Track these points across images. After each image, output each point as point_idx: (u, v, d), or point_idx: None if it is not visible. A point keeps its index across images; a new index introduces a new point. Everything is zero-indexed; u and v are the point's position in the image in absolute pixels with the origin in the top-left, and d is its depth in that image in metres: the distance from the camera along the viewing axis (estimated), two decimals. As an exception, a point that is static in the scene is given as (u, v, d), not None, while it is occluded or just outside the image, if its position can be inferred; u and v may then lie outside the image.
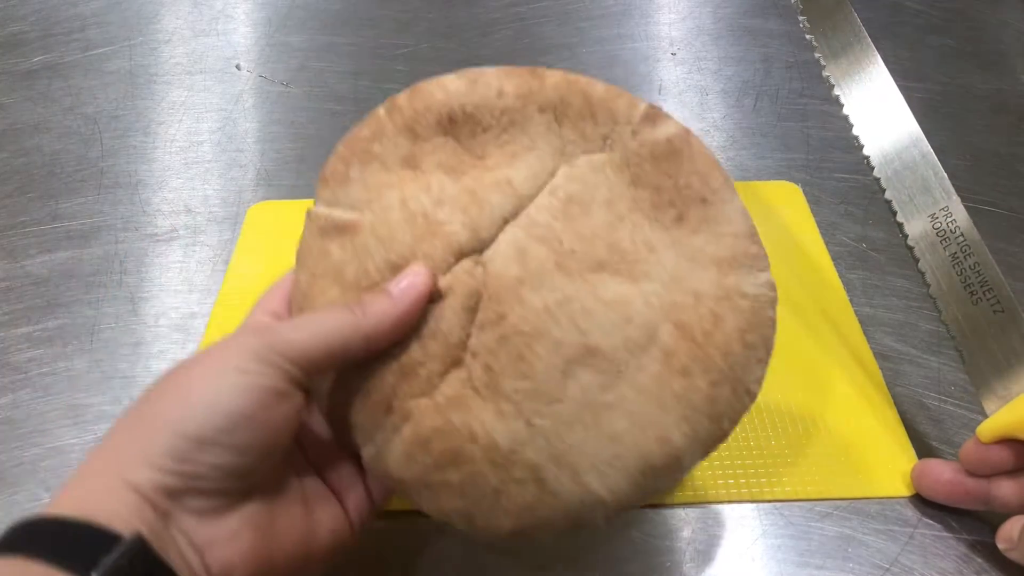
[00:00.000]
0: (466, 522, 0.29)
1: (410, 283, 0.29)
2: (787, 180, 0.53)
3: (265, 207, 0.53)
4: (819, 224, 0.50)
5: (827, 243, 0.49)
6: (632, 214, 0.31)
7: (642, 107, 0.32)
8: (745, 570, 0.35)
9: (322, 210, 0.32)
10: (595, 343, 0.29)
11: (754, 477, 0.38)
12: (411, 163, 0.31)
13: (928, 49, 0.66)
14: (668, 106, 0.61)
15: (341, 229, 0.31)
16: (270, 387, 0.27)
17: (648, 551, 0.35)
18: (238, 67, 0.65)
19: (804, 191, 0.53)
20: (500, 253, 0.30)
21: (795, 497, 0.37)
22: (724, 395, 0.29)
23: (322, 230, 0.31)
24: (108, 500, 0.24)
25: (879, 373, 0.42)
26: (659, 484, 0.29)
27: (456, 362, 0.29)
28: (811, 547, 0.36)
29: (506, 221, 0.30)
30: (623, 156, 0.31)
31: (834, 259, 0.48)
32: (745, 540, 0.36)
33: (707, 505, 0.37)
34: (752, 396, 0.30)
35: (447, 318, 0.29)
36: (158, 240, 0.51)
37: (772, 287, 0.30)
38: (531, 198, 0.31)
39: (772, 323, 0.30)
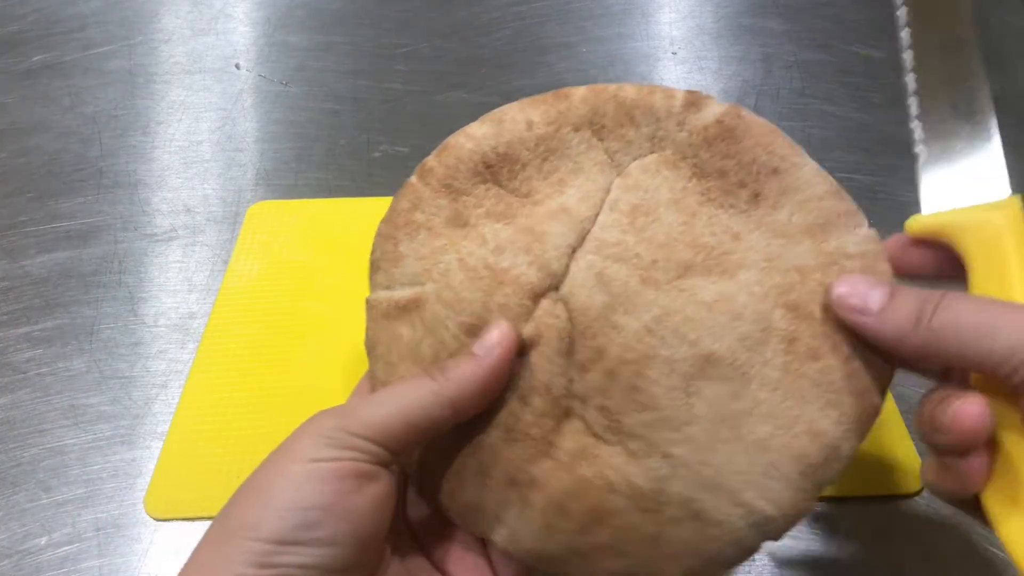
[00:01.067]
0: None
1: (493, 340, 0.27)
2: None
3: (264, 207, 0.53)
4: (819, 224, 0.50)
5: (827, 243, 0.49)
6: (703, 207, 0.29)
7: (680, 96, 0.31)
8: (746, 570, 0.35)
9: (381, 295, 0.30)
10: (709, 350, 0.27)
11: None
12: (458, 221, 0.30)
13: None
14: (668, 106, 0.61)
15: (405, 308, 0.29)
16: (351, 471, 0.25)
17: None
18: (237, 66, 0.65)
19: (804, 191, 0.52)
20: (578, 284, 0.28)
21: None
22: (861, 367, 0.27)
23: (386, 315, 0.30)
24: None
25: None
26: (823, 480, 0.26)
27: (567, 413, 0.27)
28: (813, 547, 0.36)
29: (573, 249, 0.29)
30: (676, 150, 0.30)
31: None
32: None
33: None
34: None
35: (543, 368, 0.27)
36: (157, 240, 0.51)
37: (876, 239, 0.28)
38: (592, 219, 0.29)
39: (888, 274, 0.28)
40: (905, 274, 0.31)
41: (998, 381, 0.24)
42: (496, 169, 0.31)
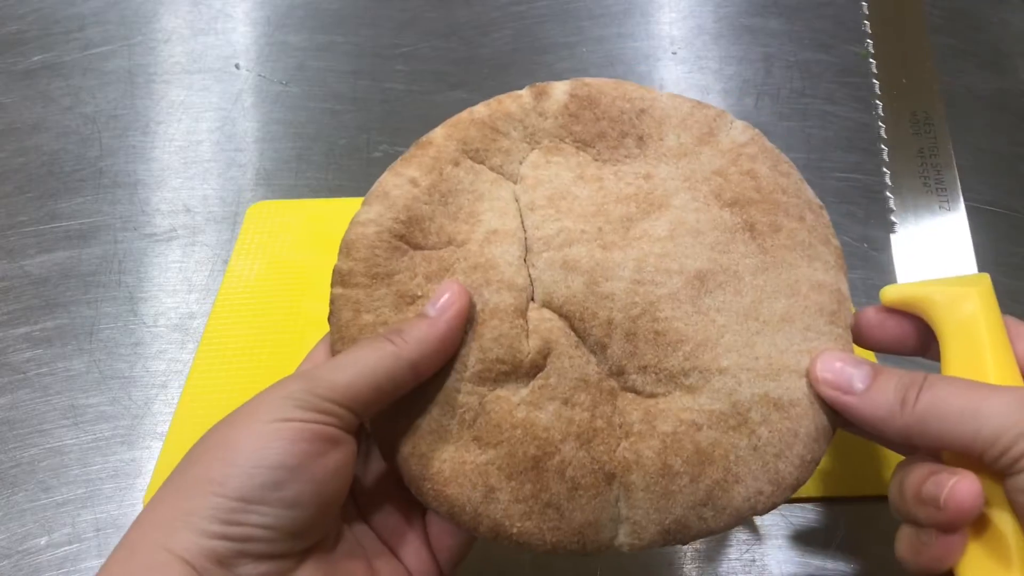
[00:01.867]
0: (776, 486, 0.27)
1: (446, 301, 0.28)
2: (787, 180, 0.53)
3: (264, 207, 0.53)
4: (819, 224, 0.50)
5: (827, 243, 0.49)
6: (605, 168, 0.31)
7: (525, 93, 0.33)
8: (746, 570, 0.35)
9: None
10: (696, 269, 0.29)
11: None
12: (406, 299, 0.30)
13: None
14: (668, 106, 0.61)
15: None
16: (318, 434, 0.25)
17: (648, 551, 0.35)
18: (237, 66, 0.65)
19: (804, 191, 0.53)
20: (549, 282, 0.29)
21: (796, 497, 0.37)
22: (813, 218, 0.31)
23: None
24: (155, 573, 0.23)
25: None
26: (847, 321, 0.30)
27: (613, 392, 0.28)
28: (812, 547, 0.36)
29: (524, 258, 0.30)
30: (551, 137, 0.32)
31: (834, 259, 0.48)
32: (746, 540, 0.36)
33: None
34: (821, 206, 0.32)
35: (570, 367, 0.28)
36: (157, 240, 0.51)
37: (750, 126, 0.33)
38: (521, 227, 0.30)
39: (773, 150, 0.33)
40: (882, 347, 0.32)
41: (980, 462, 0.25)
42: (409, 235, 0.30)
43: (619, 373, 0.28)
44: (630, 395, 0.28)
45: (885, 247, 0.49)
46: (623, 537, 0.27)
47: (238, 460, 0.24)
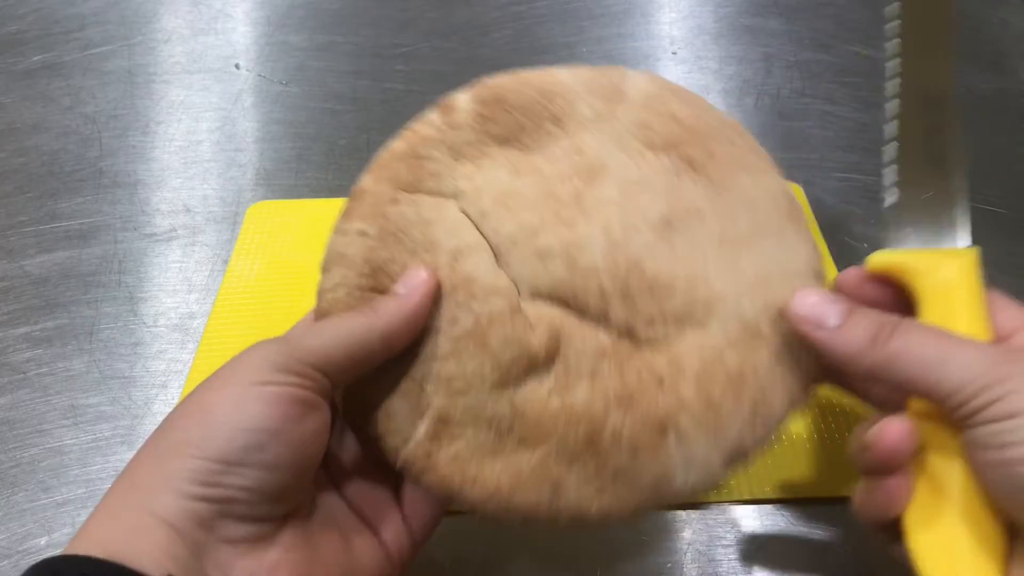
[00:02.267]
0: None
1: (415, 281, 0.29)
2: (788, 180, 0.53)
3: (264, 207, 0.53)
4: (819, 224, 0.50)
5: (827, 243, 0.49)
6: (535, 157, 0.32)
7: (432, 114, 0.33)
8: (746, 570, 0.35)
9: None
10: (659, 217, 0.30)
11: (755, 478, 0.38)
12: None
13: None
14: (668, 106, 0.61)
15: None
16: (296, 397, 0.25)
17: (648, 551, 0.35)
18: (237, 66, 0.65)
19: (805, 191, 0.52)
20: (530, 276, 0.29)
21: (796, 497, 0.37)
22: (734, 133, 0.32)
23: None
24: (136, 538, 0.23)
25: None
26: (803, 218, 0.31)
27: (631, 353, 0.29)
28: (812, 547, 0.36)
29: (496, 259, 0.30)
30: (472, 146, 0.32)
31: (834, 259, 0.48)
32: (745, 541, 0.36)
33: (707, 506, 0.37)
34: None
35: (583, 344, 0.29)
36: (157, 240, 0.51)
37: (649, 74, 0.34)
38: (481, 236, 0.30)
39: (679, 88, 0.33)
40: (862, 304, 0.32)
41: (940, 409, 0.26)
42: (377, 284, 0.30)
43: (630, 333, 0.29)
44: (648, 349, 0.29)
45: (885, 247, 0.49)
46: (693, 477, 0.28)
47: (217, 423, 0.24)
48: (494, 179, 0.31)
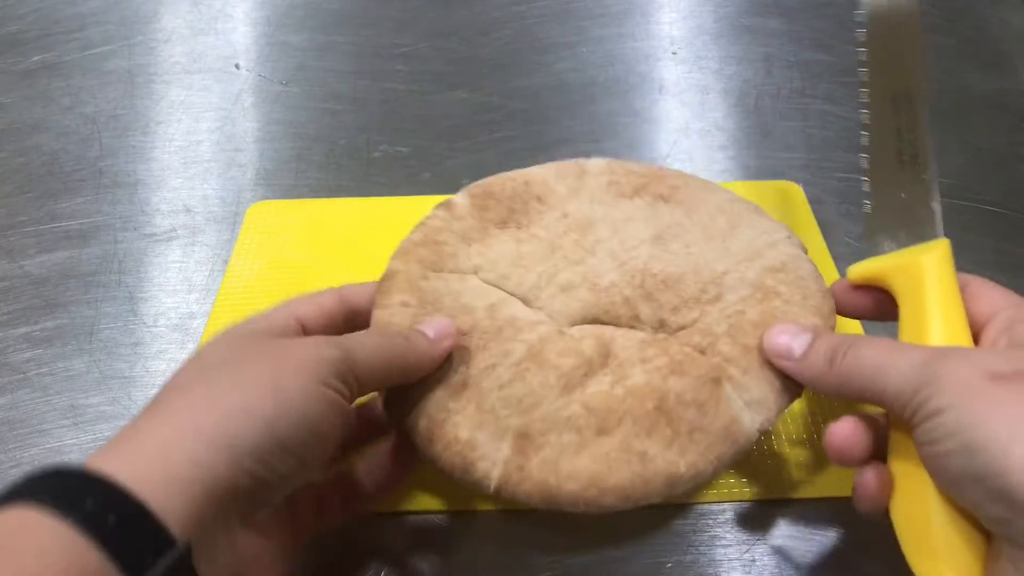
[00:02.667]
0: None
1: (443, 332, 0.32)
2: (787, 180, 0.53)
3: (264, 207, 0.53)
4: (819, 224, 0.50)
5: (827, 243, 0.49)
6: (528, 229, 0.38)
7: (435, 211, 0.39)
8: (746, 570, 0.35)
9: None
10: (649, 235, 0.37)
11: (755, 477, 0.38)
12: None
13: (928, 49, 0.65)
14: (669, 105, 0.61)
15: None
16: (341, 406, 0.27)
17: (649, 551, 0.35)
18: (237, 66, 0.65)
19: (804, 191, 0.52)
20: (562, 308, 0.35)
21: (796, 496, 0.37)
22: (682, 172, 0.41)
23: None
24: (171, 485, 0.21)
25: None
26: (765, 213, 0.39)
27: (668, 341, 0.33)
28: (812, 547, 0.36)
29: (530, 307, 0.35)
30: (474, 232, 0.38)
31: (834, 259, 0.48)
32: (746, 540, 0.36)
33: (708, 505, 0.37)
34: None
35: (628, 343, 0.33)
36: (157, 240, 0.51)
37: (598, 158, 0.41)
38: (506, 293, 0.36)
39: (624, 161, 0.42)
40: (854, 316, 0.35)
41: (894, 414, 0.28)
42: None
43: (662, 324, 0.34)
44: (681, 332, 0.34)
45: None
46: (758, 417, 0.31)
47: (289, 406, 0.25)
48: (503, 250, 0.37)
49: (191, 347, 0.44)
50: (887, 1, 0.36)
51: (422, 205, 0.54)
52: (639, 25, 0.69)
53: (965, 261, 0.47)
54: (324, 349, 0.27)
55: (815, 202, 0.52)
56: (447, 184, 0.54)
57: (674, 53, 0.65)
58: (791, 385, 0.32)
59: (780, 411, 0.32)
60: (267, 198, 0.53)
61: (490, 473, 0.30)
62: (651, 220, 0.37)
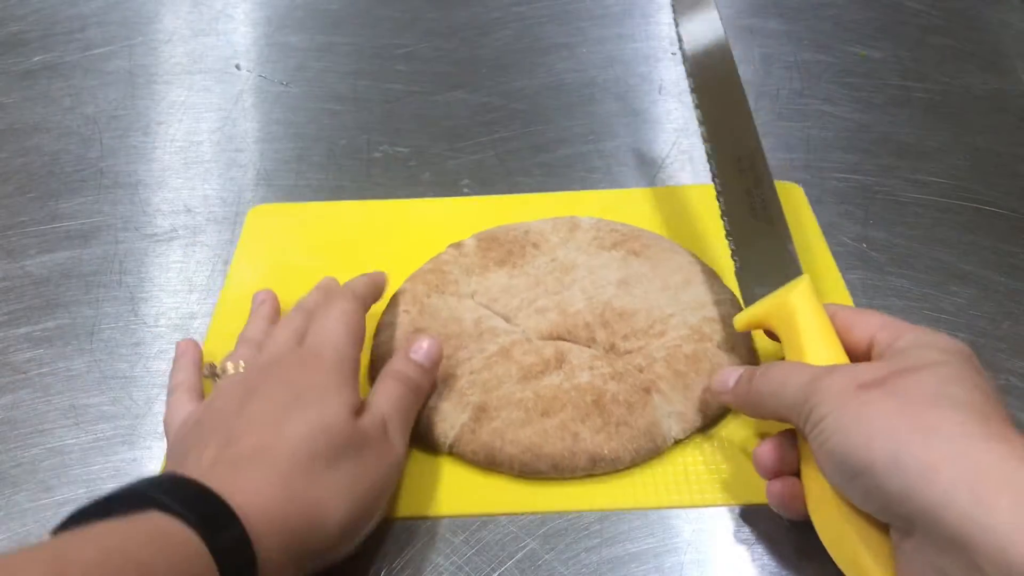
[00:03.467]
0: None
1: (431, 350, 0.38)
2: (787, 180, 0.53)
3: (264, 209, 0.53)
4: (819, 224, 0.50)
5: (827, 243, 0.49)
6: (523, 268, 0.46)
7: (448, 249, 0.47)
8: (745, 571, 0.35)
9: None
10: (616, 279, 0.44)
11: (754, 478, 0.38)
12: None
13: (928, 49, 0.65)
14: (668, 106, 0.61)
15: None
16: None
17: (648, 552, 0.35)
18: (238, 67, 0.65)
19: (804, 191, 0.52)
20: (534, 325, 0.42)
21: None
22: (652, 235, 0.48)
23: None
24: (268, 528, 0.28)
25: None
26: (716, 279, 0.45)
27: (616, 360, 0.40)
28: (811, 548, 0.36)
29: (509, 323, 0.43)
30: (477, 268, 0.46)
31: (834, 259, 0.48)
32: (745, 541, 0.36)
33: (707, 506, 0.37)
34: None
35: (581, 356, 0.40)
36: (158, 240, 0.51)
37: (589, 217, 0.49)
38: (494, 313, 0.43)
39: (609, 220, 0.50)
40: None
41: (796, 427, 0.31)
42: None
43: (612, 347, 0.41)
44: (627, 354, 0.41)
45: (885, 247, 0.49)
46: (676, 425, 0.38)
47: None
48: (497, 281, 0.45)
49: (192, 347, 0.44)
50: (705, 54, 0.45)
51: (422, 209, 0.54)
52: (639, 25, 0.69)
53: (965, 261, 0.47)
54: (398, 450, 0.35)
55: (815, 202, 0.52)
56: (447, 184, 0.54)
57: (674, 54, 0.66)
58: (711, 409, 0.38)
59: (696, 428, 0.38)
60: (267, 199, 0.54)
61: (447, 433, 0.38)
62: (621, 268, 0.44)
